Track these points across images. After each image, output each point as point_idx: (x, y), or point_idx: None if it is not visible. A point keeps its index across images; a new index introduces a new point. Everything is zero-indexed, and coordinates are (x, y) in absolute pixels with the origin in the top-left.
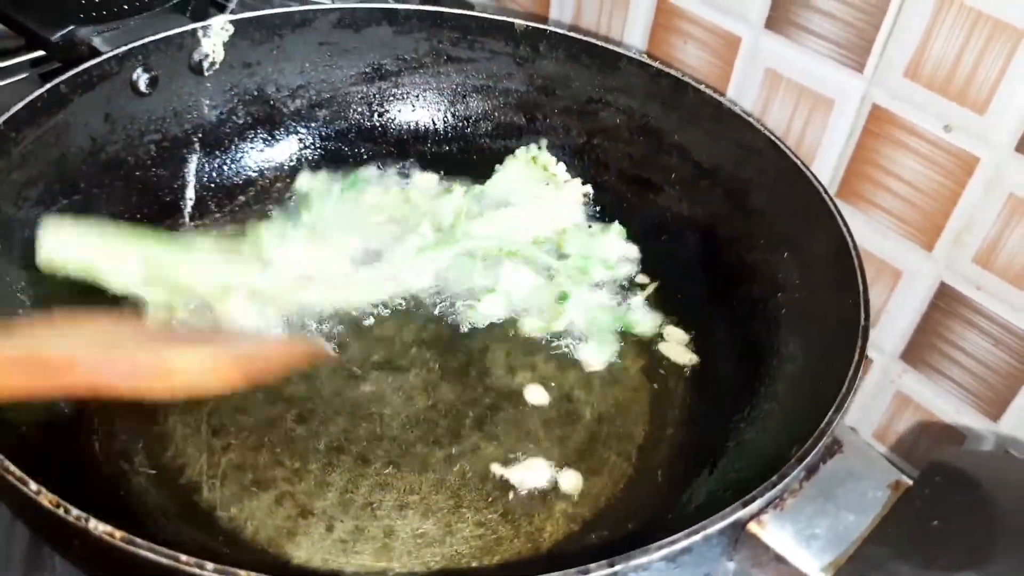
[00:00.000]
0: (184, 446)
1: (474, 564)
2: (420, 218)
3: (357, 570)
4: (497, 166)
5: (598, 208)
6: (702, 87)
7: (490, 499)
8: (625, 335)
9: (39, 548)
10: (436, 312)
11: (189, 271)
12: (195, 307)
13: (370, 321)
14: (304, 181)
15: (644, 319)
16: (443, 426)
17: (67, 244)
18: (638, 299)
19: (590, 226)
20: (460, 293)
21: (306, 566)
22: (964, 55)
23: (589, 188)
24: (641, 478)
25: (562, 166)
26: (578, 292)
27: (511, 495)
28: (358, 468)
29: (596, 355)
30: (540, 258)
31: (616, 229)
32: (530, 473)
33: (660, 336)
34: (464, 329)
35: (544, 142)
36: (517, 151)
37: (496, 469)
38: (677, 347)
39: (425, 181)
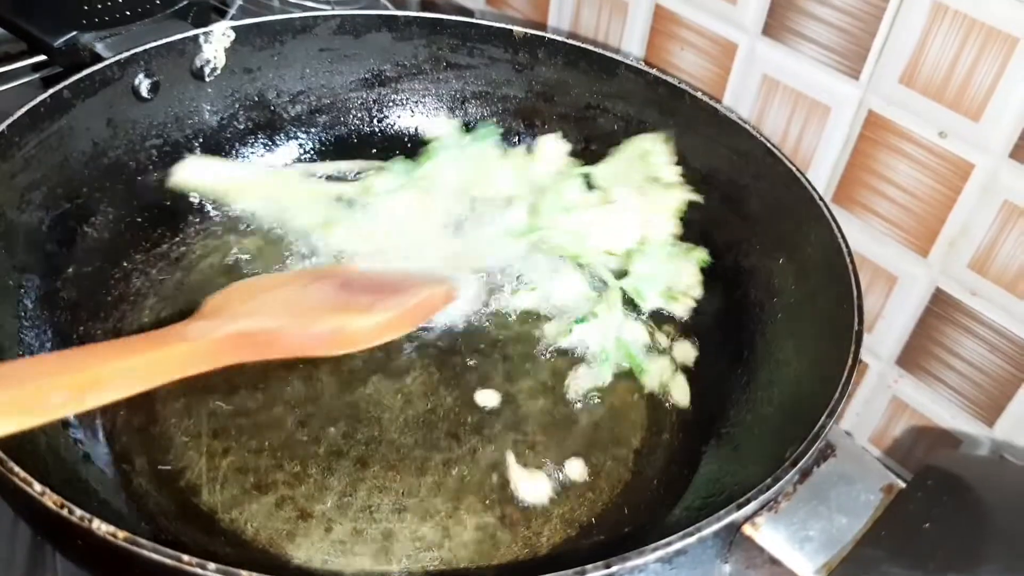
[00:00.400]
0: (184, 449)
1: (473, 568)
2: (523, 195)
3: (357, 572)
4: (612, 148)
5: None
6: (699, 94)
7: (488, 503)
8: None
9: (41, 549)
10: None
11: (298, 201)
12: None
13: None
14: (437, 126)
15: (655, 371)
16: (441, 430)
17: (199, 169)
18: (663, 358)
19: (673, 245)
20: (509, 279)
21: (306, 567)
22: (959, 62)
23: (698, 197)
24: (638, 483)
25: (674, 168)
26: (608, 317)
27: (509, 499)
28: (357, 471)
29: (589, 378)
30: (601, 271)
31: (699, 255)
32: (527, 477)
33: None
34: (485, 321)
35: (667, 135)
36: (637, 138)
37: (494, 473)
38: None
39: (553, 149)
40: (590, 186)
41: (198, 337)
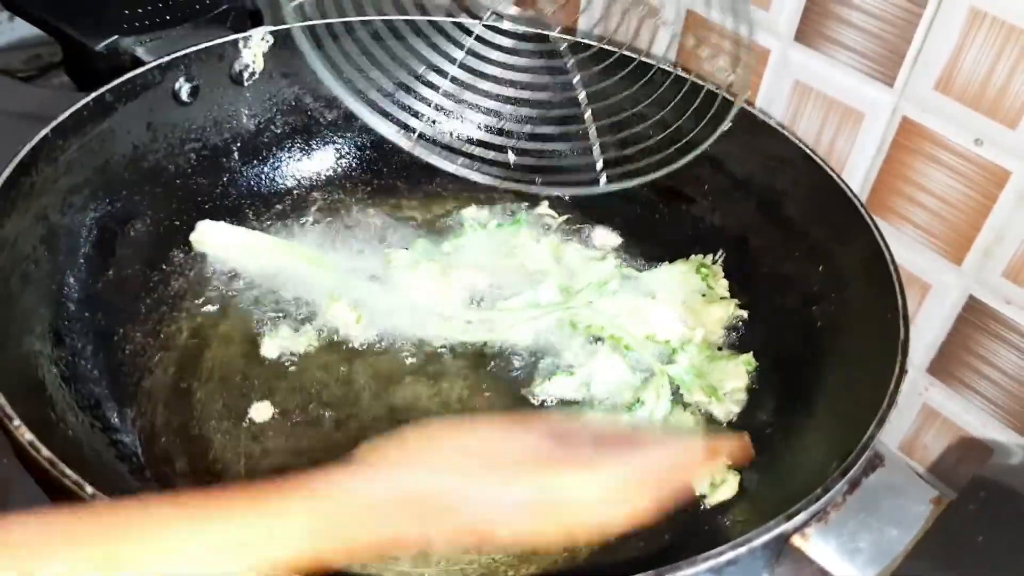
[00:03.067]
0: (223, 451)
1: (511, 574)
2: (553, 274)
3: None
4: (664, 264)
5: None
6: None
7: None
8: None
9: None
10: (509, 372)
11: (312, 276)
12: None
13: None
14: (469, 212)
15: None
16: None
17: (217, 234)
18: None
19: (720, 348)
20: (545, 361)
21: (345, 572)
22: (996, 69)
23: (743, 313)
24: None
25: (724, 283)
26: (657, 405)
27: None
28: None
29: None
30: (645, 356)
31: (745, 360)
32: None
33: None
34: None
35: (718, 254)
36: (692, 257)
37: None
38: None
39: (602, 238)
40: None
41: (340, 495)
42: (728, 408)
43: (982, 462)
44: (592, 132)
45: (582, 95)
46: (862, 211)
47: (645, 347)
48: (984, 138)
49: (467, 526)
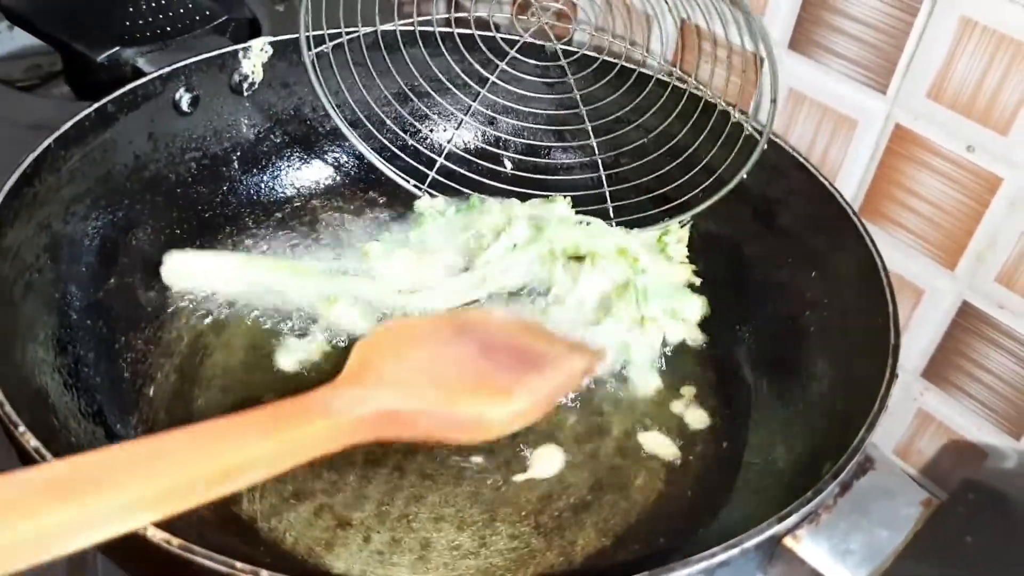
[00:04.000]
0: None
1: None
2: (522, 219)
3: None
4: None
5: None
6: (728, 107)
7: (523, 512)
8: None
9: (83, 554)
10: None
11: (297, 284)
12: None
13: None
14: (422, 204)
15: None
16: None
17: (186, 265)
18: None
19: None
20: (534, 297)
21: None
22: (987, 77)
23: (696, 280)
24: (671, 494)
25: (683, 249)
26: (626, 314)
27: (543, 507)
28: (394, 480)
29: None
30: (617, 269)
31: (703, 301)
32: (561, 485)
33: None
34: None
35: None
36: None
37: (528, 482)
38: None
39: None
40: None
41: (343, 413)
42: (694, 334)
43: (977, 466)
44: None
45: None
46: (854, 218)
47: (617, 261)
48: (976, 145)
49: (422, 434)
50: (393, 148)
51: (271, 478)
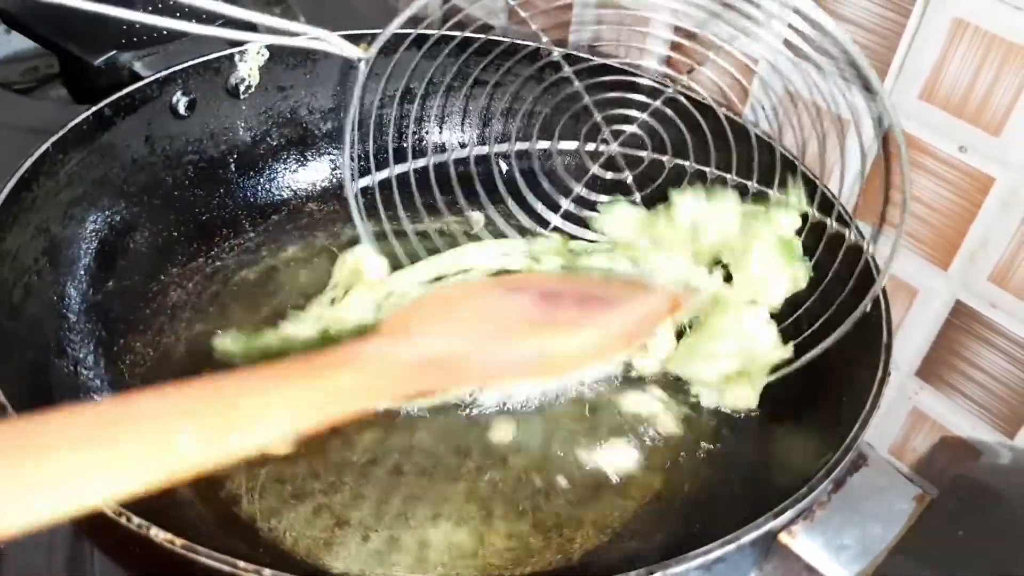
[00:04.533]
0: None
1: (506, 575)
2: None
3: None
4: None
5: None
6: (721, 109)
7: (520, 510)
8: None
9: (80, 545)
10: None
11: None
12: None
13: None
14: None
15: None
16: (472, 438)
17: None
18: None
19: None
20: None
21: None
22: (979, 78)
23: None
24: (669, 492)
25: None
26: None
27: (541, 506)
28: (391, 479)
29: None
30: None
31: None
32: (558, 484)
33: None
34: None
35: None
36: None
37: (525, 480)
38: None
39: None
40: None
41: (378, 361)
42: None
43: (970, 464)
44: None
45: None
46: (847, 218)
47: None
48: (968, 145)
49: (477, 378)
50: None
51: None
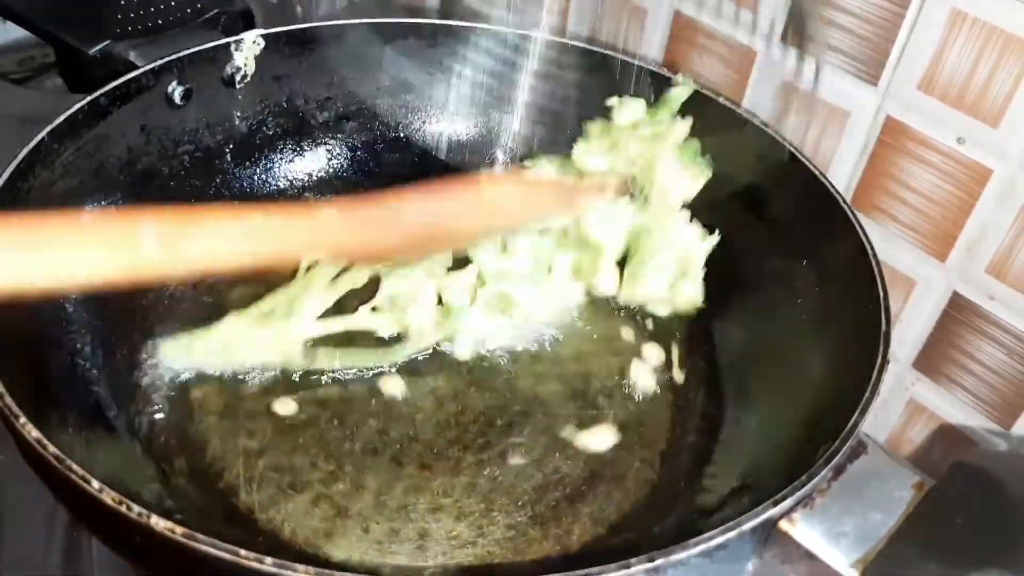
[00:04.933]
0: (222, 450)
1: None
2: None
3: (394, 572)
4: None
5: None
6: (719, 98)
7: (520, 502)
8: None
9: (78, 535)
10: None
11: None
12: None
13: None
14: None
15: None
16: (473, 431)
17: (187, 351)
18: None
19: None
20: None
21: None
22: (977, 69)
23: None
24: (665, 483)
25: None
26: None
27: (539, 498)
28: (392, 470)
29: None
30: None
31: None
32: (557, 476)
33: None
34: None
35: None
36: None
37: (524, 473)
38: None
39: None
40: None
41: (319, 214)
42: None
43: (969, 451)
44: None
45: None
46: (845, 208)
47: None
48: (966, 137)
49: (408, 234)
50: None
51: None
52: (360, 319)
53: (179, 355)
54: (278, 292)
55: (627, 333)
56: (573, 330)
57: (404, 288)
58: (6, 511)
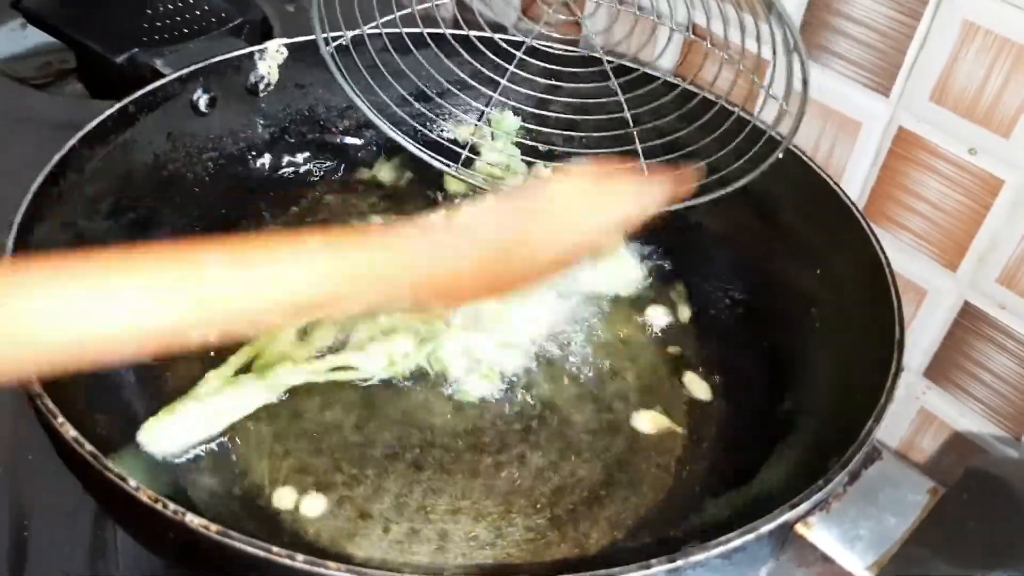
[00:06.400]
0: (247, 451)
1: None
2: None
3: (415, 571)
4: None
5: None
6: (732, 107)
7: (538, 505)
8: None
9: (103, 529)
10: None
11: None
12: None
13: None
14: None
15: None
16: (490, 435)
17: (166, 435)
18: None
19: None
20: None
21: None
22: (989, 80)
23: None
24: (681, 488)
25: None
26: None
27: (557, 500)
28: (412, 473)
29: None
30: None
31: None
32: (574, 479)
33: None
34: None
35: None
36: None
37: (540, 475)
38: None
39: None
40: None
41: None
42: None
43: (982, 457)
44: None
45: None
46: (859, 217)
47: None
48: (978, 147)
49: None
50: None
51: None
52: (342, 358)
53: (157, 439)
54: (247, 347)
55: (642, 337)
56: (590, 334)
57: (377, 326)
58: (33, 510)
